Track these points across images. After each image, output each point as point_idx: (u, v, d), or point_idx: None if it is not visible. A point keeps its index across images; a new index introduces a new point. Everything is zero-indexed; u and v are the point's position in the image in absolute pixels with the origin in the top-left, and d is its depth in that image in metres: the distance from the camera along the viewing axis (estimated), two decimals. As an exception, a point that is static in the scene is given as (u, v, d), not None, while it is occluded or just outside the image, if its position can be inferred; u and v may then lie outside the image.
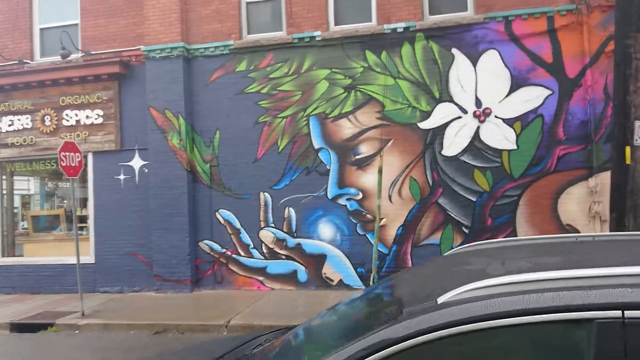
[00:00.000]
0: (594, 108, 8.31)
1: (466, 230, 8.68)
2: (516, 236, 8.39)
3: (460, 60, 8.73)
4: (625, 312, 1.49)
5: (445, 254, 2.90)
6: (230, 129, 9.55)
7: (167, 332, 7.38)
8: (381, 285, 2.56)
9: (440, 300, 1.70)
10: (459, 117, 8.72)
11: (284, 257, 9.34)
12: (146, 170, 9.80)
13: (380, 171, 8.85)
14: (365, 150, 9.06)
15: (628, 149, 6.38)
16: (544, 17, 8.51)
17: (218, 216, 9.61)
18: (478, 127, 8.65)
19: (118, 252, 9.89)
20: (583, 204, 8.37)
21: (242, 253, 9.50)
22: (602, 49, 8.30)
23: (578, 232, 8.34)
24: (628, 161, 6.39)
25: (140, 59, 9.88)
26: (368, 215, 9.00)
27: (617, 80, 6.52)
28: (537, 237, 2.79)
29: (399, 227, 8.91)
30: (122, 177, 9.95)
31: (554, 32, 8.48)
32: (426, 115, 8.83)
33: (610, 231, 6.83)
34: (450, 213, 8.74)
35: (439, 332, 1.60)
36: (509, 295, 1.61)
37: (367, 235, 8.99)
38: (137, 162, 9.89)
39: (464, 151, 8.70)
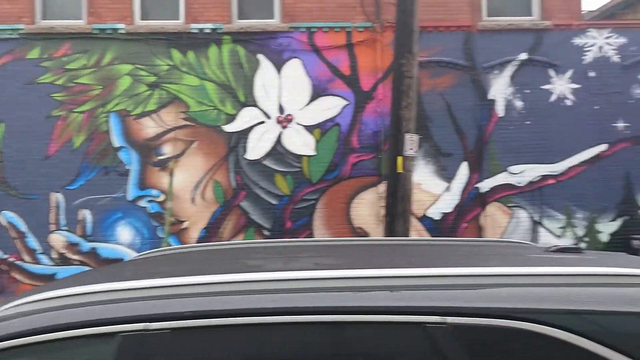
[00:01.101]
0: (384, 120, 8.98)
1: (267, 233, 8.85)
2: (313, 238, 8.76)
3: (265, 66, 8.90)
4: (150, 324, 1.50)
5: (131, 257, 2.87)
6: (17, 122, 8.62)
7: None
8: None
9: None
10: (263, 122, 8.88)
11: (77, 262, 8.68)
12: None
13: (171, 174, 8.66)
14: (168, 150, 8.79)
15: (400, 159, 6.98)
16: (343, 32, 9.03)
17: (0, 218, 8.63)
18: (280, 133, 8.89)
19: None
20: (373, 208, 9.04)
21: (27, 259, 8.63)
22: (392, 66, 9.01)
23: (368, 234, 8.98)
24: (400, 170, 7.00)
25: None
26: (169, 218, 8.75)
27: (394, 96, 7.12)
28: (242, 242, 2.88)
29: (201, 230, 8.80)
30: None
31: (351, 46, 9.04)
32: (231, 118, 8.85)
33: (384, 235, 7.43)
34: (251, 216, 8.85)
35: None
36: (51, 310, 1.55)
37: (168, 239, 8.74)
38: None
39: (267, 155, 8.87)
